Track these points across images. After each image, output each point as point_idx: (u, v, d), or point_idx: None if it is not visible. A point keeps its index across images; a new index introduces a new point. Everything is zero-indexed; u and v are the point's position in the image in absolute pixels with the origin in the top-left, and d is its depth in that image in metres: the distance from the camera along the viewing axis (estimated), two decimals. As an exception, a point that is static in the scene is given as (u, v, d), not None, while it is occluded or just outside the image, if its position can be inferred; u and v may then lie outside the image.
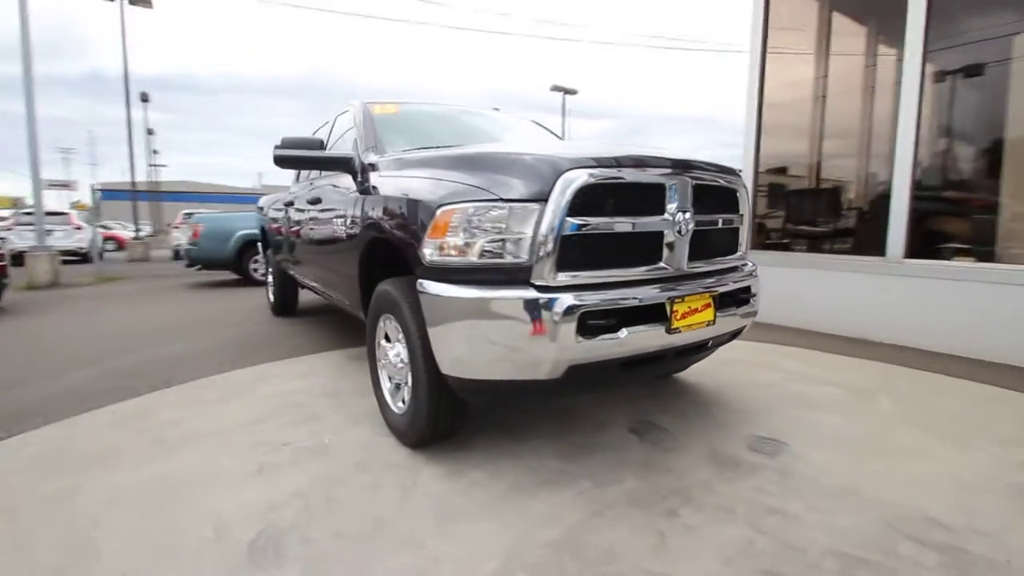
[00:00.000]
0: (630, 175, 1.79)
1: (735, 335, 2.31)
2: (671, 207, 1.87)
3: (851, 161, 5.06)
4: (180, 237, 11.54)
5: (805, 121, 5.06)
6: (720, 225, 2.11)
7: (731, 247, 2.25)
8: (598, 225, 1.72)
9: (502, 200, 1.68)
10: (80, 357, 3.62)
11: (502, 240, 1.68)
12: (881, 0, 4.67)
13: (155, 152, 30.83)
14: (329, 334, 4.25)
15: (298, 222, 3.56)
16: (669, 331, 1.83)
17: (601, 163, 1.75)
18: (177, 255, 11.30)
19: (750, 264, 2.39)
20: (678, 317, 1.85)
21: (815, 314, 4.22)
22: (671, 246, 1.89)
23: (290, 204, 3.88)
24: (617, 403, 2.56)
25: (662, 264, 1.89)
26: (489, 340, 1.69)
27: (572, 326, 1.64)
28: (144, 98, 22.47)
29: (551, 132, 3.61)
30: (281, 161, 2.65)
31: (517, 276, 1.69)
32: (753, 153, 4.85)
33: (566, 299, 1.64)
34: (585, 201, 1.69)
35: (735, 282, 2.13)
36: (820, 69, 5.01)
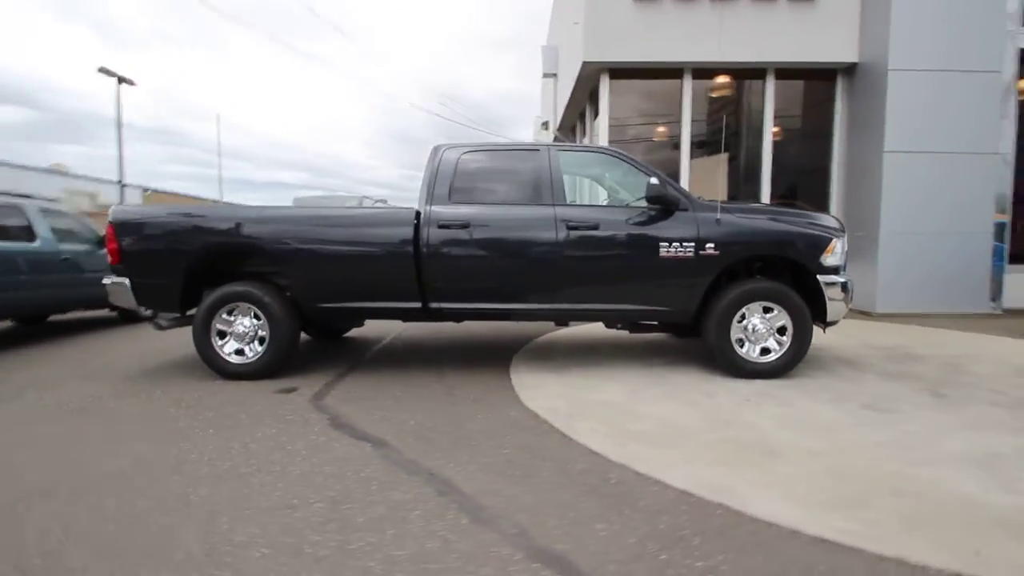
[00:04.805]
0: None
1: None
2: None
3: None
4: None
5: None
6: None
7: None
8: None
9: (843, 233, 3.63)
10: None
11: (842, 253, 3.63)
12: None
13: None
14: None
15: (538, 242, 3.53)
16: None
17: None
18: None
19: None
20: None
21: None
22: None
23: (466, 226, 3.48)
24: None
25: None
26: (845, 300, 3.60)
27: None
28: None
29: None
30: (656, 198, 3.27)
31: (838, 271, 3.67)
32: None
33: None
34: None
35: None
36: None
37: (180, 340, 5.07)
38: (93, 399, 3.25)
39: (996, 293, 6.51)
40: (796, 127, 7.66)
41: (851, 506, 1.89)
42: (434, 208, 3.57)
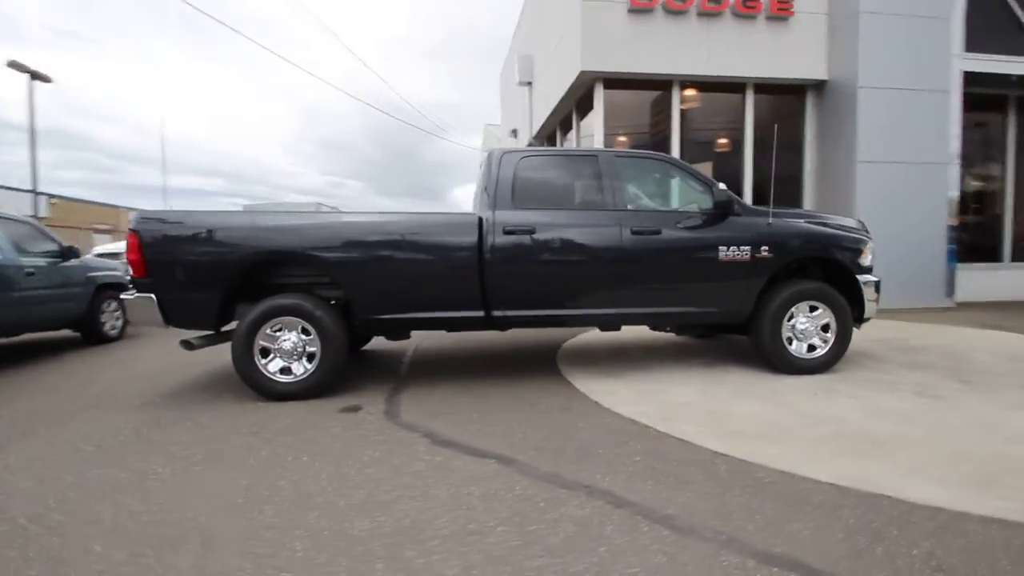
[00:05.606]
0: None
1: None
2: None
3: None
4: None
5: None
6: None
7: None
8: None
9: (870, 235, 3.92)
10: None
11: (872, 255, 3.92)
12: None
13: None
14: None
15: (611, 247, 3.56)
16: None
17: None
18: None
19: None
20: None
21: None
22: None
23: (532, 231, 3.42)
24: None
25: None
26: (877, 299, 3.88)
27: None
28: None
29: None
30: (724, 203, 3.38)
31: (871, 271, 3.96)
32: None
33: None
34: (861, 239, 4.18)
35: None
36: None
37: (174, 360, 4.61)
38: (132, 432, 2.87)
39: (950, 289, 7.28)
40: (768, 138, 8.19)
41: (990, 485, 2.03)
42: (498, 213, 3.48)
